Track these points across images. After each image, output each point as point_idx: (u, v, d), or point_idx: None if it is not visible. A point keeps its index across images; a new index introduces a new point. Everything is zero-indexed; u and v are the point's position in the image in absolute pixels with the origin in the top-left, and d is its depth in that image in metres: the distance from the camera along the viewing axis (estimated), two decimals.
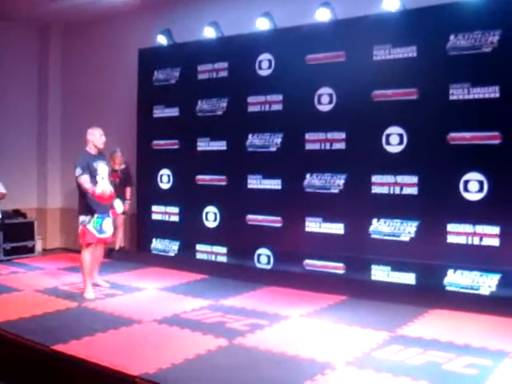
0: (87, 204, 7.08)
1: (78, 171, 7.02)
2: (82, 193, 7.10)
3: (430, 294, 7.12)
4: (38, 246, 11.14)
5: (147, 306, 6.71)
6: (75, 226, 11.29)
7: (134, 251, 10.33)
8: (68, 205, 11.85)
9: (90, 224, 7.07)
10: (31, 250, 10.77)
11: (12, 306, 6.54)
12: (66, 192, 11.91)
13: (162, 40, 9.75)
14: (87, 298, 6.96)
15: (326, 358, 4.87)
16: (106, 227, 7.25)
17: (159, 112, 9.96)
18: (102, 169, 7.26)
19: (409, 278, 7.52)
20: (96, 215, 7.08)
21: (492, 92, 6.96)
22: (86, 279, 7.15)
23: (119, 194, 9.27)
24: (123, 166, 9.94)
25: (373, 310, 6.46)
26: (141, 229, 10.30)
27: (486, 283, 6.93)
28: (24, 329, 5.62)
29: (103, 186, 6.97)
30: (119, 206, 7.95)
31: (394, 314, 6.29)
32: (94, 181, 7.05)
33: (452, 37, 7.26)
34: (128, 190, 9.88)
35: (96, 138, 7.26)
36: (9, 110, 11.40)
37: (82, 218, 7.13)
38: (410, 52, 7.58)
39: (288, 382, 4.40)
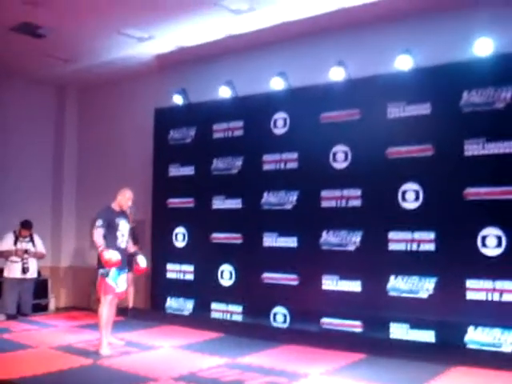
0: None
1: (99, 223, 7.20)
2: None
3: (450, 351, 6.99)
4: (52, 305, 11.08)
5: (163, 363, 6.61)
6: (87, 284, 11.42)
7: (148, 310, 10.24)
8: (81, 263, 11.86)
9: (108, 276, 7.14)
10: (45, 308, 10.71)
11: (26, 363, 6.47)
12: (79, 250, 11.94)
13: (177, 100, 9.91)
14: (103, 355, 6.86)
15: None
16: (120, 282, 7.32)
17: (175, 171, 10.04)
18: (124, 226, 7.44)
19: (428, 336, 7.39)
20: (114, 268, 7.14)
21: (507, 147, 7.01)
22: (102, 333, 7.08)
23: None
24: (133, 225, 9.95)
25: (393, 368, 6.34)
26: (155, 287, 10.24)
27: (508, 340, 6.81)
28: None
29: (112, 253, 7.06)
30: (142, 260, 7.75)
31: (414, 372, 6.16)
32: (114, 236, 7.26)
33: (465, 93, 7.36)
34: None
35: (124, 198, 7.49)
36: (24, 167, 11.52)
37: (101, 270, 7.20)
38: (424, 109, 7.67)
39: None
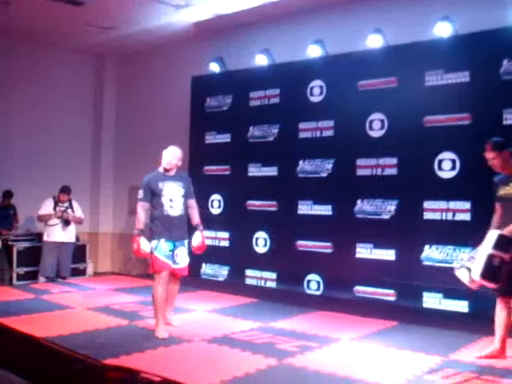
0: (154, 228, 6.40)
1: (140, 195, 6.48)
2: (151, 216, 6.50)
3: (483, 321, 6.95)
4: (90, 269, 11.32)
5: (197, 326, 6.73)
6: (125, 250, 11.62)
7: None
8: (119, 230, 12.06)
9: (156, 250, 6.31)
10: (83, 272, 10.95)
11: (64, 323, 6.65)
12: (118, 217, 12.14)
13: (214, 68, 9.94)
14: (159, 337, 6.08)
15: (377, 380, 4.80)
16: (179, 258, 6.53)
17: (211, 138, 10.11)
18: (171, 189, 6.44)
19: (461, 306, 7.37)
20: (164, 240, 6.33)
21: None
22: (157, 315, 6.25)
23: None
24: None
25: (424, 336, 6.35)
26: (190, 253, 10.34)
27: None
28: (75, 344, 5.67)
29: (142, 243, 6.28)
30: (196, 238, 6.70)
31: (446, 340, 6.16)
32: (159, 203, 6.38)
33: (505, 61, 7.21)
34: None
35: (164, 157, 6.54)
36: (64, 135, 11.77)
37: (150, 243, 6.38)
38: (462, 77, 7.55)
39: None
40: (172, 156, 6.52)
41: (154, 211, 6.43)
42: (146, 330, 6.43)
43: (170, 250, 6.39)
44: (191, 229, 6.77)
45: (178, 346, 5.83)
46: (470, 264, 5.32)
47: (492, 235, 5.25)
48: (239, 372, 4.95)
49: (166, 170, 6.52)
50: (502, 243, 5.16)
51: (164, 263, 6.32)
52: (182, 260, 6.59)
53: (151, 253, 6.33)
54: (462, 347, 5.86)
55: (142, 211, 6.43)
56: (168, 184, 6.43)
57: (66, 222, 9.76)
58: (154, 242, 6.32)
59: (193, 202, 6.74)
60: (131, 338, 6.13)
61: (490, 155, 5.56)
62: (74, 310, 7.40)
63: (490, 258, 5.12)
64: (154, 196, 6.40)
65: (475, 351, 5.70)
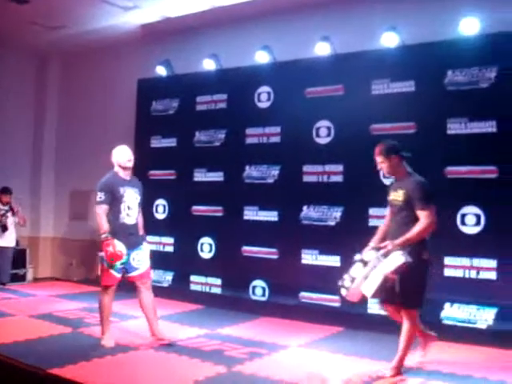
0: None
1: (100, 197, 5.94)
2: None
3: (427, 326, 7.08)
4: (29, 275, 11.02)
5: (143, 333, 6.60)
6: (66, 255, 11.40)
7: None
8: (60, 234, 11.80)
9: (113, 269, 5.93)
10: (23, 278, 10.64)
11: (6, 330, 6.48)
12: (59, 221, 11.86)
13: (161, 71, 9.84)
14: (106, 346, 5.94)
15: None
16: (136, 262, 6.11)
17: (156, 142, 10.00)
18: (130, 196, 6.09)
19: None
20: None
21: (489, 127, 7.07)
22: (103, 323, 6.06)
23: None
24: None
25: (370, 341, 6.45)
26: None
27: (483, 317, 6.93)
28: (18, 352, 5.54)
29: (118, 245, 5.83)
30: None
31: (391, 345, 6.16)
32: (117, 209, 5.98)
33: (450, 72, 7.39)
34: None
35: (123, 157, 6.14)
36: (3, 138, 11.37)
37: (101, 254, 6.00)
38: (408, 86, 7.70)
39: None
40: (131, 153, 6.20)
41: (109, 217, 5.95)
42: (91, 338, 6.31)
43: (126, 260, 5.95)
44: None
45: (125, 354, 5.74)
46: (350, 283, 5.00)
47: (393, 257, 4.90)
48: (189, 380, 4.91)
49: (125, 170, 6.12)
50: (399, 269, 4.86)
51: (114, 277, 5.99)
52: (141, 263, 6.14)
53: (102, 264, 6.04)
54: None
55: (103, 214, 5.91)
56: (128, 190, 6.08)
57: (4, 228, 9.47)
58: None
59: (140, 210, 6.37)
60: (76, 346, 6.01)
61: (378, 159, 5.40)
62: (15, 318, 7.20)
63: (386, 279, 4.89)
64: (112, 200, 5.96)
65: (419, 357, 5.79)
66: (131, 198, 6.09)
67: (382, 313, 7.48)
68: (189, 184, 9.55)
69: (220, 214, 9.21)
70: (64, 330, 6.64)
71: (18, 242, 10.27)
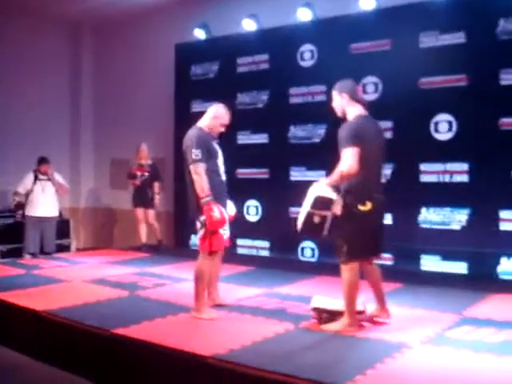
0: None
1: (198, 155, 5.26)
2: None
3: (483, 282, 6.99)
4: (73, 245, 11.08)
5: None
6: (107, 225, 11.44)
7: (173, 247, 10.27)
8: (100, 204, 11.83)
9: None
10: (67, 249, 10.72)
11: (63, 295, 6.44)
12: (98, 191, 11.89)
13: (199, 34, 9.73)
14: (205, 318, 5.43)
15: (400, 339, 4.73)
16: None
17: (197, 106, 9.87)
18: (220, 154, 5.63)
19: (461, 267, 7.39)
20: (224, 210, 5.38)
21: None
22: (201, 295, 5.53)
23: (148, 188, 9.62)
24: (150, 162, 9.83)
25: (433, 296, 6.32)
26: (179, 225, 10.22)
27: None
28: (79, 315, 5.52)
29: (222, 211, 5.28)
30: (231, 207, 5.90)
31: (455, 299, 6.15)
32: (215, 165, 5.47)
33: (502, 21, 7.18)
34: (156, 185, 9.80)
35: (217, 120, 5.66)
36: (40, 108, 11.35)
37: (202, 217, 5.31)
38: (458, 38, 7.50)
39: (368, 361, 4.26)
40: (224, 123, 5.69)
41: (208, 175, 5.33)
42: (149, 300, 6.28)
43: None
44: None
45: (187, 314, 5.69)
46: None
47: (313, 190, 4.87)
48: (258, 337, 4.85)
49: (221, 127, 5.66)
50: (320, 203, 4.77)
51: (223, 240, 5.52)
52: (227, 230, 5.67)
53: (204, 230, 5.36)
54: (472, 305, 5.85)
55: (204, 174, 5.26)
56: (218, 147, 5.64)
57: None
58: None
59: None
60: (136, 308, 5.97)
61: (333, 95, 5.43)
62: (70, 284, 7.17)
63: (309, 215, 4.79)
64: (208, 158, 5.37)
65: (487, 308, 5.72)
66: (221, 156, 5.65)
67: (435, 269, 7.50)
68: (233, 147, 9.39)
69: (266, 176, 9.13)
70: (121, 293, 6.60)
71: (60, 213, 10.28)
